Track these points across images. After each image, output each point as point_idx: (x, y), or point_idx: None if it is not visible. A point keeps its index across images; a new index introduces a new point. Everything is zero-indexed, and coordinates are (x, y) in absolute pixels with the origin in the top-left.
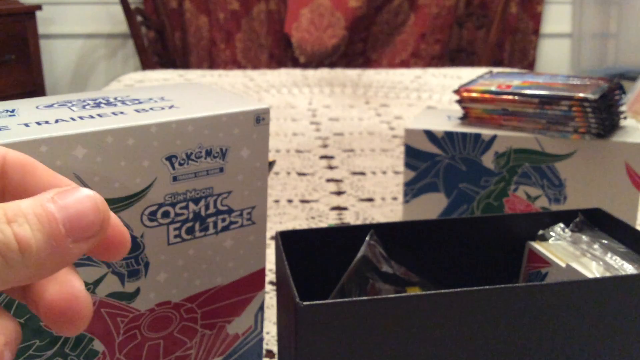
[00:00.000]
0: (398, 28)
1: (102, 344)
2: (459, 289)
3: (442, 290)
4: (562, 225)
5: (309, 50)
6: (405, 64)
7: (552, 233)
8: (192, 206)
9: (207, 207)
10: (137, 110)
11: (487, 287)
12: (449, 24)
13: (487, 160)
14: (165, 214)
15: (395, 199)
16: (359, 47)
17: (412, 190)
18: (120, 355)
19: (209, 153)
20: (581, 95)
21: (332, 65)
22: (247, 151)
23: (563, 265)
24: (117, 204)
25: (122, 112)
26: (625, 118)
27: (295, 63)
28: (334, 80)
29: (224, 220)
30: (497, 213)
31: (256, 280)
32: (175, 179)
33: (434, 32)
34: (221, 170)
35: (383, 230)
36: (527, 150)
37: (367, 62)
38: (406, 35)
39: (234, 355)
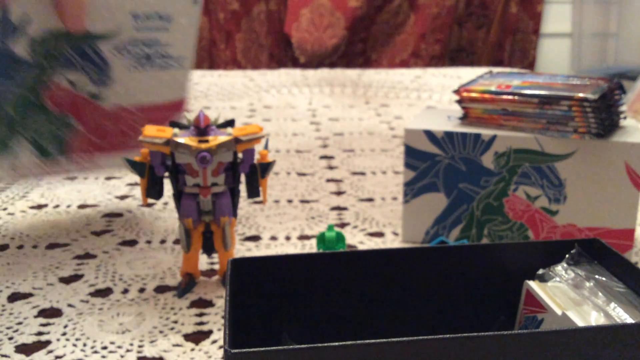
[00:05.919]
0: (398, 28)
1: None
2: (437, 337)
3: (411, 338)
4: (564, 265)
5: (309, 50)
6: (405, 64)
7: (551, 273)
8: (146, 50)
9: (155, 52)
10: None
11: (478, 334)
12: (449, 24)
13: (487, 160)
14: (129, 51)
15: (395, 199)
16: (359, 47)
17: (412, 190)
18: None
19: (160, 17)
20: (581, 95)
21: (332, 65)
22: (184, 20)
23: (559, 312)
24: (103, 36)
25: None
26: (625, 118)
27: (295, 63)
28: (334, 80)
29: (165, 62)
30: (490, 242)
31: (178, 105)
32: (137, 30)
33: (434, 32)
34: (166, 29)
35: (374, 258)
36: (527, 150)
37: (367, 62)
38: (406, 35)
39: None
